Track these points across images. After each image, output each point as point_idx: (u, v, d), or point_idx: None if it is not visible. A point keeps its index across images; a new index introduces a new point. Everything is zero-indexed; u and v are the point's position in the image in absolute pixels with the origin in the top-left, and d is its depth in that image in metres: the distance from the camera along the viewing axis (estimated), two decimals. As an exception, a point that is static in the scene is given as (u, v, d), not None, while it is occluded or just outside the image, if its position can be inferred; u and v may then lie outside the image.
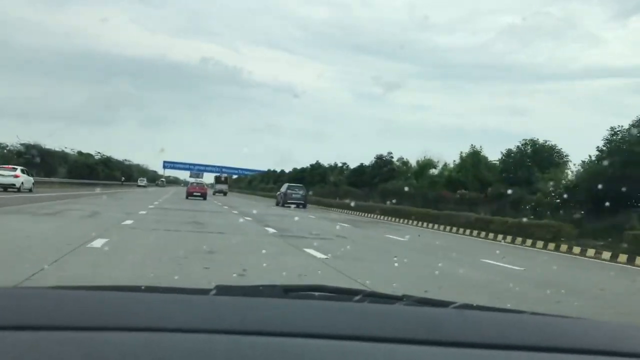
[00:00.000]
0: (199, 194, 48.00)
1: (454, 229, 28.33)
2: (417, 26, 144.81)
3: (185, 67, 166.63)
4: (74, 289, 1.49)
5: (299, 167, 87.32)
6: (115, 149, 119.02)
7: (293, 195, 45.74)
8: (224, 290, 1.52)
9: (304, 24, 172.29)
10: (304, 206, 44.76)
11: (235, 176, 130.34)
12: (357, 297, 1.54)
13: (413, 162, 54.39)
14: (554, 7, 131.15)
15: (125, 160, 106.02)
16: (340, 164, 72.04)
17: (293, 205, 43.52)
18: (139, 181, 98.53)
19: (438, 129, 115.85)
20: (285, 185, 49.17)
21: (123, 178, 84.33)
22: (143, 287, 1.54)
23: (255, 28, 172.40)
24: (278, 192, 50.22)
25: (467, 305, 1.58)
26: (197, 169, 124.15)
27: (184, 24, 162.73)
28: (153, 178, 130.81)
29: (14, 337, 1.07)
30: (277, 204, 45.94)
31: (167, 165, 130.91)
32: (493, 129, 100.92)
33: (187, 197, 46.87)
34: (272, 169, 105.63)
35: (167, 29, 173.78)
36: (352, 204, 42.04)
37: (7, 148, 55.80)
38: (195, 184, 51.92)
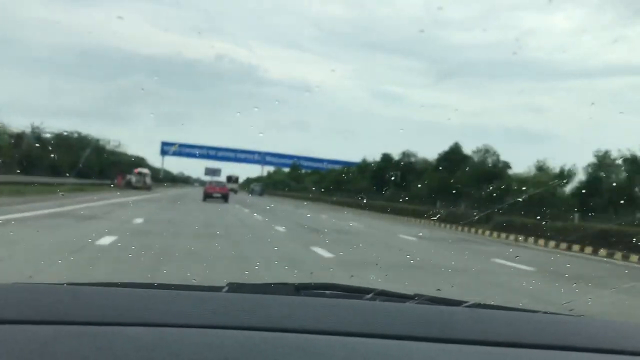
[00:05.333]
0: (219, 194, 40.52)
1: None
2: (434, 23, 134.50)
3: (200, 65, 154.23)
4: (88, 285, 1.51)
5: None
6: (129, 146, 77.92)
7: (255, 189, 66.92)
8: (235, 287, 1.53)
9: (318, 23, 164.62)
10: (262, 195, 63.45)
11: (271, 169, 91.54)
12: (368, 296, 1.53)
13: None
14: (574, 2, 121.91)
15: None
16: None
17: (256, 194, 62.71)
18: None
19: (456, 127, 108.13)
20: (253, 184, 73.18)
21: None
22: (156, 284, 1.55)
23: (270, 27, 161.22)
24: (249, 188, 71.61)
25: (479, 304, 1.58)
26: (218, 157, 77.81)
27: (198, 24, 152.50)
28: (130, 166, 60.06)
29: (31, 330, 1.09)
30: (249, 194, 65.37)
31: (167, 150, 73.04)
32: (512, 126, 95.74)
33: (204, 199, 38.66)
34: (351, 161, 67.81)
35: (180, 28, 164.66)
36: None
37: None
38: (214, 183, 44.70)
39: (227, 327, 1.15)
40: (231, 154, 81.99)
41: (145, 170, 55.17)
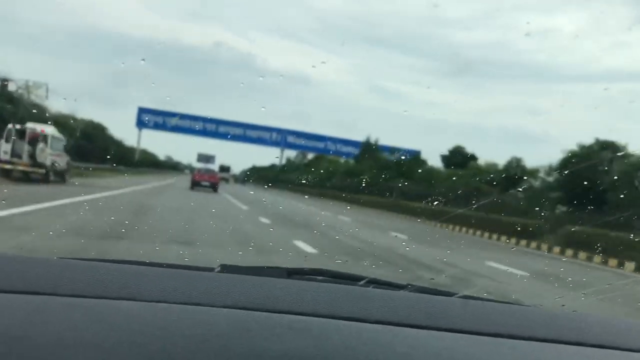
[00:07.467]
0: (208, 183, 35.98)
1: None
2: (436, 21, 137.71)
3: (198, 52, 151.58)
4: (79, 260, 1.50)
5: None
6: (124, 131, 68.64)
7: (239, 177, 62.88)
8: (228, 268, 1.53)
9: (319, 15, 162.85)
10: (244, 184, 56.64)
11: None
12: (361, 282, 1.54)
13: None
14: (576, 6, 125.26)
15: None
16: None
17: (239, 183, 59.01)
18: None
19: (455, 127, 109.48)
20: (239, 173, 68.77)
21: None
22: (148, 262, 1.54)
23: (269, 17, 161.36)
24: (236, 177, 66.96)
25: (471, 296, 1.58)
26: (220, 134, 54.67)
27: (196, 9, 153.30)
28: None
29: (19, 300, 1.09)
30: (235, 182, 60.35)
31: (146, 119, 51.21)
32: (511, 127, 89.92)
33: (192, 187, 34.77)
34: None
35: (177, 13, 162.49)
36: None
37: None
38: (203, 171, 39.75)
39: (217, 306, 1.16)
40: (239, 131, 58.79)
41: (46, 129, 22.37)
